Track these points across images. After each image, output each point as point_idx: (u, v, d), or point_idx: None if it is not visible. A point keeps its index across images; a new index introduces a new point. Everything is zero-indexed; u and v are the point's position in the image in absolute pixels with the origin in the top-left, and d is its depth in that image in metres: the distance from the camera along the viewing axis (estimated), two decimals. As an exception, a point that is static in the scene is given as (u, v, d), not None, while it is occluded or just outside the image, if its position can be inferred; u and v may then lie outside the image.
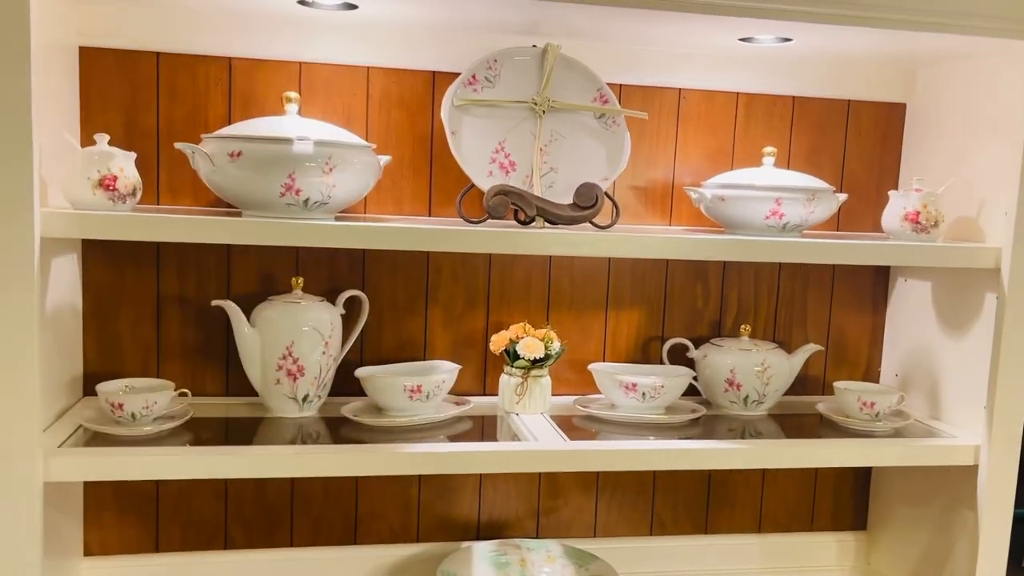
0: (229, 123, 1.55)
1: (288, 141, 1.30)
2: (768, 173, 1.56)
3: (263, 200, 1.33)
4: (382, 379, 1.49)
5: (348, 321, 1.61)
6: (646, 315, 1.78)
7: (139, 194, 1.33)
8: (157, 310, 1.59)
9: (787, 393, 1.74)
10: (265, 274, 1.61)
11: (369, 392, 1.51)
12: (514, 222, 1.50)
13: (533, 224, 1.45)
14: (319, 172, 1.31)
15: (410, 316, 1.68)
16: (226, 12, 1.51)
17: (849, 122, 1.80)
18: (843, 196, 1.59)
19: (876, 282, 1.86)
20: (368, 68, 1.61)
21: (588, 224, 1.50)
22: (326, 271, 1.64)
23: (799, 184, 1.51)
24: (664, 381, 1.58)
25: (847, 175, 1.81)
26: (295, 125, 1.37)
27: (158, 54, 1.53)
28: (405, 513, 1.73)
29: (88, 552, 1.62)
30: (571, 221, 1.46)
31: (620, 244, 1.39)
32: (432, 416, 1.51)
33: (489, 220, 1.43)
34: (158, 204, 1.56)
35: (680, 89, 1.73)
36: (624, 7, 1.32)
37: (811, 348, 1.71)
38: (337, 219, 1.43)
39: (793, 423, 1.67)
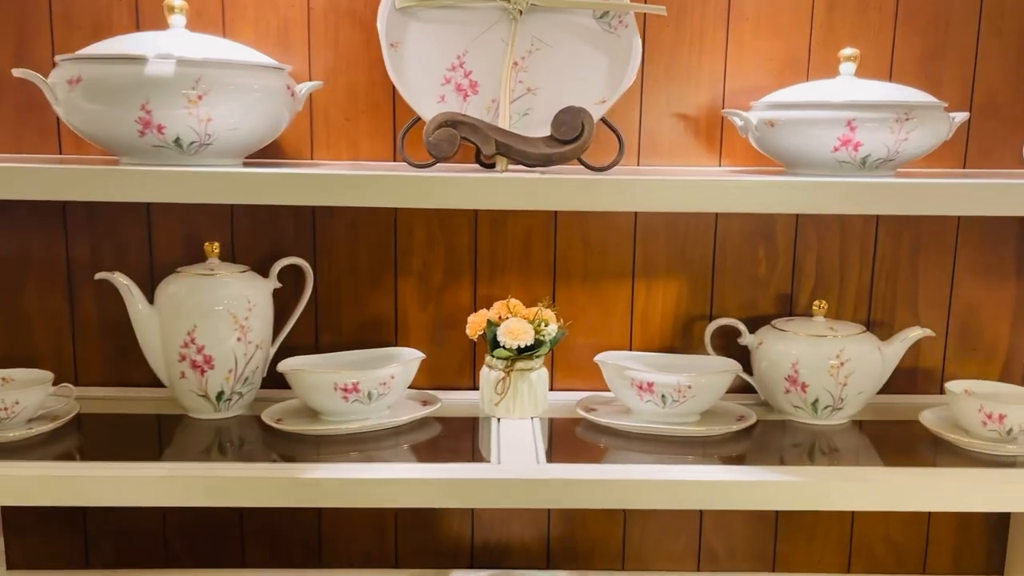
0: (139, 50, 1.24)
1: (138, 60, 0.96)
2: (843, 86, 1.08)
3: (124, 142, 1.00)
4: (308, 376, 1.14)
5: (290, 299, 1.28)
6: (688, 287, 1.34)
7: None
8: (68, 284, 1.32)
9: (885, 391, 1.27)
10: (192, 238, 1.30)
11: (296, 391, 1.17)
12: (477, 165, 1.11)
13: (496, 166, 1.06)
14: (183, 101, 0.97)
15: (376, 291, 1.33)
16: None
17: (983, 17, 1.27)
18: (960, 116, 1.09)
19: (1021, 241, 1.33)
20: (308, -29, 1.25)
21: (581, 165, 1.09)
22: (268, 235, 1.31)
23: (883, 98, 1.03)
24: (693, 380, 1.15)
25: (979, 91, 1.28)
26: (176, 41, 1.03)
27: (47, -34, 1.24)
28: (380, 533, 1.39)
29: (11, 565, 1.38)
30: (545, 161, 1.05)
31: (604, 194, 0.96)
32: (377, 422, 1.16)
33: (438, 163, 1.04)
34: (60, 153, 1.28)
35: (731, -22, 1.26)
36: None
37: (915, 334, 1.22)
38: (246, 165, 1.09)
39: (884, 439, 1.20)
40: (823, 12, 1.26)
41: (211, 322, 1.15)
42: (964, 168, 1.30)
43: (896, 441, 1.19)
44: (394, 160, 1.30)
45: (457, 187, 0.95)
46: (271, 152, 1.28)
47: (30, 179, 0.94)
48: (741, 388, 1.31)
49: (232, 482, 1.00)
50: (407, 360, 1.20)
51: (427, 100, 1.11)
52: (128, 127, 0.98)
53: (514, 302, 1.24)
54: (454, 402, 1.29)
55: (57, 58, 1.02)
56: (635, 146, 1.30)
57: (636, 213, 1.32)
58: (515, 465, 1.05)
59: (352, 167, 1.22)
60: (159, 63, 0.96)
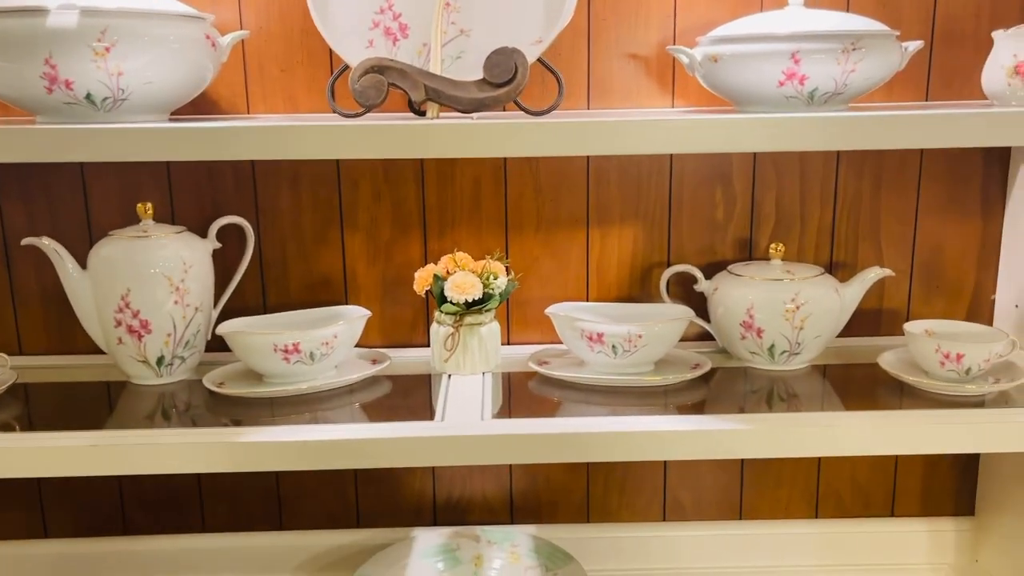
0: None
1: (39, 12, 0.91)
2: (790, 17, 1.03)
3: (34, 99, 0.96)
4: (246, 337, 1.11)
5: (234, 261, 1.24)
6: (645, 234, 1.30)
7: None
8: (5, 252, 1.28)
9: (848, 334, 1.24)
10: (130, 200, 1.26)
11: (237, 354, 1.14)
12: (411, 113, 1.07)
13: (428, 113, 1.01)
14: (89, 54, 0.92)
15: (322, 248, 1.29)
16: None
17: (942, -64, 1.21)
18: (914, 44, 1.04)
19: (987, 175, 1.29)
20: (233, -86, 1.19)
21: (520, 111, 1.04)
22: (208, 194, 1.27)
23: (828, 28, 0.97)
24: (644, 329, 1.11)
25: (941, 19, 1.23)
26: (86, -7, 0.98)
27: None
28: (341, 493, 1.38)
29: (-31, 538, 1.37)
30: (477, 106, 1.00)
31: (536, 137, 0.91)
32: (322, 383, 1.13)
33: (368, 112, 1.00)
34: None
35: (678, -93, 1.20)
36: None
37: (873, 275, 1.19)
38: (173, 121, 1.05)
39: (845, 383, 1.17)
40: (775, -60, 1.20)
41: (145, 285, 1.12)
42: (926, 100, 1.25)
43: (857, 385, 1.16)
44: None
45: (389, 135, 0.91)
46: (204, 107, 1.23)
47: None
48: (700, 336, 1.28)
49: (168, 448, 0.98)
50: (351, 319, 1.16)
51: (355, 46, 1.06)
52: (34, 83, 0.93)
53: (461, 255, 1.20)
54: (406, 359, 1.26)
55: (-43, 14, 0.97)
56: (584, 89, 1.25)
57: (588, 159, 1.27)
58: (459, 422, 1.02)
59: (286, 120, 1.18)
60: (60, 14, 0.91)
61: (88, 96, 0.95)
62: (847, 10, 1.21)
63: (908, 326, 1.13)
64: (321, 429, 1.02)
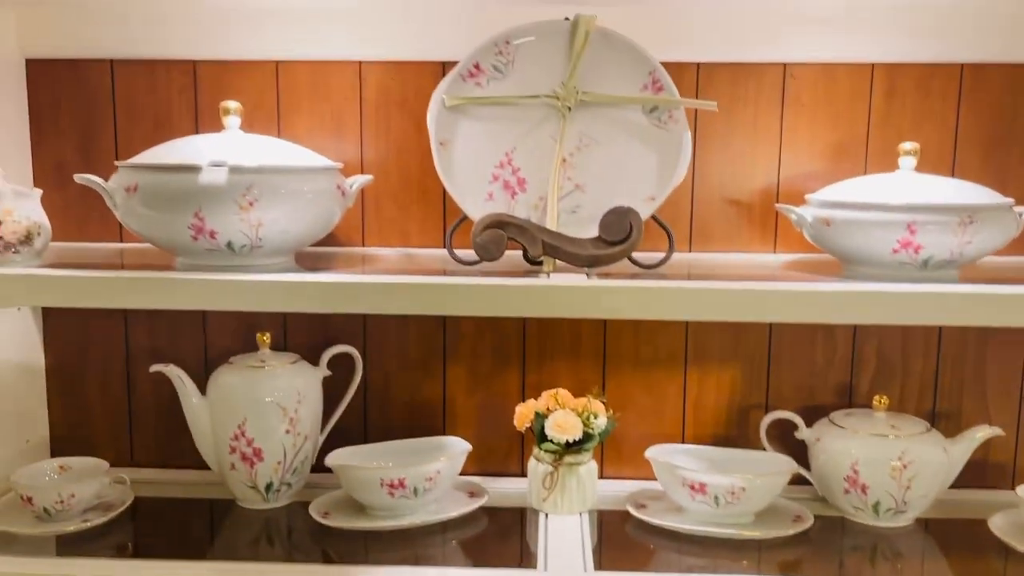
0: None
1: (192, 169, 0.98)
2: (902, 183, 1.05)
3: (178, 244, 1.02)
4: (354, 471, 1.14)
5: (340, 386, 1.28)
6: (743, 376, 1.31)
7: (39, 240, 1.06)
8: (126, 368, 1.34)
9: (952, 486, 1.21)
10: (249, 325, 1.32)
11: (344, 486, 1.17)
12: (524, 263, 1.11)
13: (544, 265, 1.05)
14: (234, 208, 0.98)
15: (424, 377, 1.33)
16: (188, 8, 1.22)
17: (1051, 98, 1.22)
18: (1029, 212, 1.05)
19: (1099, 330, 1.27)
20: (360, 63, 1.27)
21: (628, 261, 1.07)
22: (319, 322, 1.32)
23: (944, 200, 0.99)
24: (747, 482, 1.11)
25: (1049, 175, 1.23)
26: (229, 144, 1.05)
27: (112, 62, 1.28)
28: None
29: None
30: (593, 262, 1.03)
31: (653, 303, 0.94)
32: (424, 518, 1.15)
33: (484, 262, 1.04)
34: (121, 241, 1.31)
35: (785, 64, 1.24)
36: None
37: (982, 433, 1.17)
38: (297, 260, 1.11)
39: (951, 543, 1.14)
40: (881, 99, 1.23)
41: (261, 415, 1.16)
42: (1033, 255, 1.25)
43: (964, 546, 1.13)
44: (443, 246, 1.30)
45: (503, 295, 0.94)
46: (323, 239, 1.29)
47: (89, 288, 0.97)
48: (797, 479, 1.27)
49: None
50: (453, 454, 1.19)
51: (475, 198, 1.11)
52: (182, 232, 1.00)
53: (563, 393, 1.22)
54: (502, 491, 1.27)
55: (117, 163, 1.05)
56: (687, 232, 1.28)
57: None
58: (562, 573, 1.03)
59: (402, 257, 1.23)
60: (212, 172, 0.98)
61: (229, 244, 1.01)
62: (953, 170, 1.23)
63: (1021, 491, 1.10)
64: (425, 573, 1.03)
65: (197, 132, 1.28)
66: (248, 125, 1.17)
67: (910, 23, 1.19)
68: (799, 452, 1.23)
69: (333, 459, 1.18)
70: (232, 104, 1.10)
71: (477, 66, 1.12)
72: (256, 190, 0.99)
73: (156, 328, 1.33)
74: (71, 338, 1.33)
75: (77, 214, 1.30)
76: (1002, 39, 1.19)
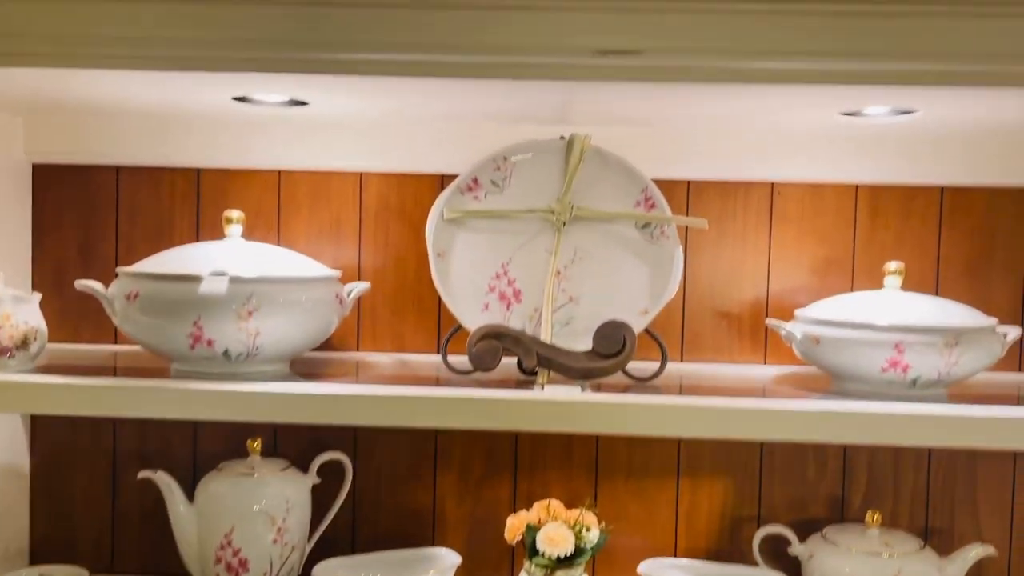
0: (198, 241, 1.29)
1: (193, 279, 1.00)
2: (888, 302, 1.07)
3: (175, 351, 1.03)
4: (342, 582, 1.12)
5: (329, 493, 1.27)
6: (735, 488, 1.30)
7: (35, 345, 1.06)
8: (112, 472, 1.33)
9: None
10: (240, 430, 1.31)
11: (330, 598, 1.15)
12: (518, 372, 1.12)
13: (537, 377, 1.06)
14: (233, 317, 1.00)
15: (415, 485, 1.32)
16: (193, 117, 1.26)
17: (1029, 219, 1.27)
18: (1013, 333, 1.07)
19: (1086, 447, 1.28)
20: (361, 174, 1.30)
21: (622, 374, 1.09)
22: (310, 428, 1.31)
23: (931, 321, 1.01)
24: (741, 600, 1.10)
25: (1030, 294, 1.27)
26: (231, 253, 1.07)
27: (118, 168, 1.31)
28: None
29: None
30: (587, 374, 1.05)
31: (642, 417, 0.95)
32: (412, 634, 1.12)
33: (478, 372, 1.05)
34: (115, 343, 1.31)
35: (773, 183, 1.28)
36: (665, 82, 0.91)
37: (976, 552, 1.16)
38: (292, 366, 1.12)
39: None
40: (866, 218, 1.27)
41: (249, 524, 1.15)
42: (1019, 371, 1.27)
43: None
44: (437, 351, 1.31)
45: (497, 408, 0.95)
46: (317, 346, 1.30)
47: (82, 397, 0.97)
48: (793, 598, 1.25)
49: None
50: (442, 568, 1.17)
51: (471, 308, 1.13)
52: (180, 340, 1.01)
53: (555, 504, 1.21)
54: (491, 605, 1.24)
55: (118, 270, 1.06)
56: (679, 342, 1.29)
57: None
58: None
59: (396, 363, 1.24)
60: (212, 281, 0.99)
61: (226, 352, 1.01)
62: (937, 287, 1.26)
63: (1017, 613, 1.09)
64: None
65: (198, 237, 1.30)
66: (249, 231, 1.20)
67: (892, 146, 1.24)
68: (793, 567, 1.21)
69: (321, 571, 1.15)
70: (235, 214, 1.13)
71: (476, 180, 1.16)
72: (255, 300, 1.00)
73: (145, 432, 1.32)
74: (58, 441, 1.32)
75: (73, 315, 1.31)
76: (979, 164, 1.24)
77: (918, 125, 1.13)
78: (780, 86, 0.90)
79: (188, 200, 1.31)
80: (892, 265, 1.11)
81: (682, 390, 1.12)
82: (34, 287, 1.30)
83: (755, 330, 1.29)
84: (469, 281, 1.14)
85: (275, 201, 1.30)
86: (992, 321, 1.05)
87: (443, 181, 1.28)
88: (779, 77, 0.88)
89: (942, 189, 1.26)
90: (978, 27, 0.86)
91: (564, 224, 1.14)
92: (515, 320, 1.13)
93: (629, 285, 1.14)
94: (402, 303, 1.31)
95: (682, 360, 1.30)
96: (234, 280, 1.00)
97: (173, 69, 0.91)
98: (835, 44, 0.87)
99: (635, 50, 0.88)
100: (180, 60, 0.90)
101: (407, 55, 0.89)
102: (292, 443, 1.31)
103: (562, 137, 1.16)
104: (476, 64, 0.89)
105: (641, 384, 1.08)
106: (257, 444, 1.22)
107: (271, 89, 1.04)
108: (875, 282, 1.18)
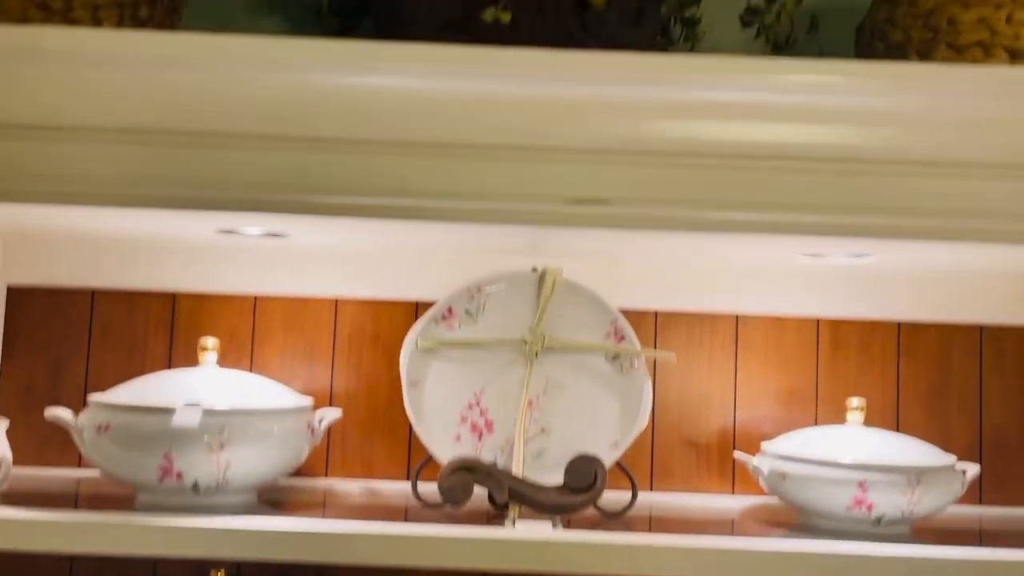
0: (169, 367, 1.29)
1: (165, 411, 1.00)
2: (852, 438, 1.10)
3: (142, 484, 1.02)
4: None
5: (292, 624, 1.24)
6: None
7: (0, 473, 1.05)
8: (68, 600, 1.28)
9: None
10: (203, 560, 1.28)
11: None
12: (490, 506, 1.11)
13: (508, 511, 1.06)
14: (205, 449, 0.99)
15: (381, 615, 1.29)
16: (171, 243, 1.28)
17: (984, 355, 1.31)
18: (972, 471, 1.10)
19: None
20: (337, 300, 1.33)
21: (593, 507, 1.09)
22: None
23: (893, 460, 1.04)
24: None
25: (988, 428, 1.30)
26: (204, 383, 1.08)
27: (93, 292, 1.32)
28: None
29: None
30: (559, 510, 1.05)
31: (614, 557, 0.95)
32: None
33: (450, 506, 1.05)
34: (79, 467, 1.29)
35: (737, 316, 1.32)
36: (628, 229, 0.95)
37: None
38: (260, 494, 1.11)
39: None
40: (828, 351, 1.31)
41: (208, 662, 1.11)
42: (980, 504, 1.29)
43: None
44: (407, 478, 1.30)
45: (467, 547, 0.95)
46: (286, 472, 1.29)
47: (42, 532, 0.95)
48: None
49: None
50: None
51: (443, 439, 1.13)
52: (149, 472, 1.00)
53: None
54: None
55: (89, 399, 1.06)
56: (648, 472, 1.30)
57: (650, 540, 1.30)
58: None
59: (365, 492, 1.24)
60: (185, 414, 1.00)
61: (195, 485, 1.01)
62: (897, 421, 1.29)
63: None
64: None
65: (171, 360, 1.30)
66: (223, 355, 1.20)
67: (851, 284, 1.30)
68: None
69: None
70: (210, 342, 1.14)
71: (450, 310, 1.18)
72: (227, 431, 1.00)
73: (103, 567, 1.28)
74: (15, 569, 1.28)
75: (39, 438, 1.28)
76: (932, 302, 1.30)
77: (874, 266, 1.19)
78: (741, 235, 0.94)
79: (163, 324, 1.32)
80: (854, 401, 1.14)
81: (652, 524, 1.12)
82: (1, 410, 1.28)
83: (723, 460, 1.30)
84: (442, 411, 1.15)
85: (250, 326, 1.32)
86: (951, 459, 1.07)
87: (418, 308, 1.31)
88: (739, 227, 0.93)
89: (898, 325, 1.31)
90: (927, 186, 0.91)
91: (536, 355, 1.16)
92: (487, 451, 1.14)
93: (600, 417, 1.16)
94: (373, 429, 1.31)
95: (652, 489, 1.30)
96: (207, 412, 1.00)
97: (157, 207, 0.94)
98: (793, 198, 0.92)
99: (604, 199, 0.93)
100: (164, 199, 0.93)
101: (388, 199, 0.93)
102: (257, 573, 1.28)
103: (534, 269, 1.20)
104: (455, 210, 0.93)
105: (613, 519, 1.09)
106: (221, 574, 1.19)
107: (252, 224, 1.07)
108: (838, 412, 1.21)
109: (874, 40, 1.08)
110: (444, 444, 1.13)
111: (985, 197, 0.92)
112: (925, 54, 1.00)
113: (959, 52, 0.97)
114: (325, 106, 0.91)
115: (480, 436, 1.15)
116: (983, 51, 0.96)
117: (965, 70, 0.89)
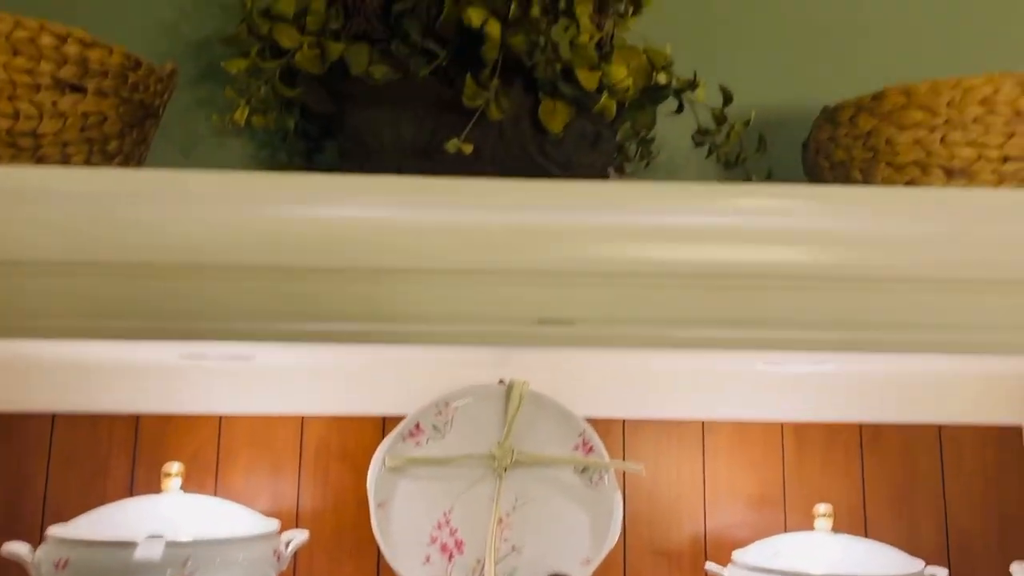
0: (131, 494, 1.26)
1: (126, 545, 0.98)
2: (821, 546, 1.11)
3: (103, 622, 0.99)
4: None
5: None
6: None
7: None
8: None
9: None
10: None
11: None
12: (461, 629, 1.09)
13: (481, 637, 1.04)
14: (167, 583, 0.97)
15: None
16: (133, 365, 1.27)
17: (944, 455, 1.34)
18: (940, 574, 1.10)
19: None
20: (303, 418, 1.32)
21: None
22: None
23: (862, 570, 1.04)
24: None
25: (953, 527, 1.31)
26: (168, 510, 1.06)
27: (54, 416, 1.30)
28: None
29: None
30: (531, 635, 1.03)
31: None
32: None
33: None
34: (34, 600, 1.25)
35: (703, 422, 1.34)
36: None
37: None
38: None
39: None
40: (793, 454, 1.32)
41: None
42: (953, 605, 1.29)
43: None
44: (376, 600, 1.28)
45: None
46: (251, 598, 1.25)
47: None
48: None
49: None
50: None
51: (412, 562, 1.12)
52: (109, 610, 0.97)
53: None
54: None
55: (47, 532, 1.03)
56: (621, 581, 1.29)
57: (625, 655, 1.28)
58: None
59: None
60: (148, 547, 0.97)
61: (156, 620, 0.98)
62: (865, 522, 1.30)
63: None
64: None
65: (133, 484, 1.28)
66: (187, 477, 1.18)
67: (812, 389, 1.32)
68: None
69: None
70: (174, 467, 1.12)
71: (418, 426, 1.18)
72: (192, 562, 0.98)
73: None
74: None
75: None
76: (892, 404, 1.33)
77: (833, 372, 1.22)
78: (702, 350, 0.97)
79: (125, 446, 1.29)
80: (821, 508, 1.15)
81: (626, 642, 1.11)
82: (-48, 540, 1.24)
83: (696, 570, 1.30)
84: (410, 532, 1.14)
85: (215, 445, 1.30)
86: (920, 565, 1.08)
87: (385, 423, 1.30)
88: (700, 343, 0.95)
89: (860, 427, 1.34)
90: (875, 301, 0.95)
91: (505, 470, 1.16)
92: (457, 572, 1.12)
93: (571, 533, 1.15)
94: (340, 551, 1.28)
95: (625, 602, 1.29)
96: (170, 544, 0.98)
97: (123, 339, 0.94)
98: (750, 314, 0.95)
99: (569, 320, 0.95)
100: (130, 331, 0.93)
101: (357, 325, 0.94)
102: None
103: (501, 381, 1.21)
104: (426, 333, 0.94)
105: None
106: None
107: (217, 350, 1.07)
108: (806, 513, 1.22)
109: (819, 158, 1.13)
110: (414, 567, 1.12)
111: (933, 310, 0.95)
112: (867, 172, 1.05)
113: (898, 170, 1.02)
114: (290, 236, 0.93)
115: (450, 557, 1.14)
116: (920, 170, 1.01)
117: (902, 192, 0.94)
